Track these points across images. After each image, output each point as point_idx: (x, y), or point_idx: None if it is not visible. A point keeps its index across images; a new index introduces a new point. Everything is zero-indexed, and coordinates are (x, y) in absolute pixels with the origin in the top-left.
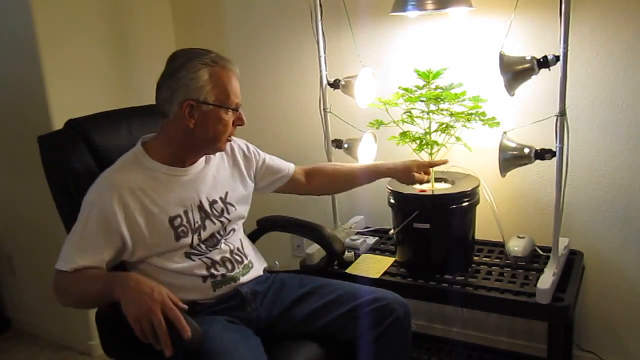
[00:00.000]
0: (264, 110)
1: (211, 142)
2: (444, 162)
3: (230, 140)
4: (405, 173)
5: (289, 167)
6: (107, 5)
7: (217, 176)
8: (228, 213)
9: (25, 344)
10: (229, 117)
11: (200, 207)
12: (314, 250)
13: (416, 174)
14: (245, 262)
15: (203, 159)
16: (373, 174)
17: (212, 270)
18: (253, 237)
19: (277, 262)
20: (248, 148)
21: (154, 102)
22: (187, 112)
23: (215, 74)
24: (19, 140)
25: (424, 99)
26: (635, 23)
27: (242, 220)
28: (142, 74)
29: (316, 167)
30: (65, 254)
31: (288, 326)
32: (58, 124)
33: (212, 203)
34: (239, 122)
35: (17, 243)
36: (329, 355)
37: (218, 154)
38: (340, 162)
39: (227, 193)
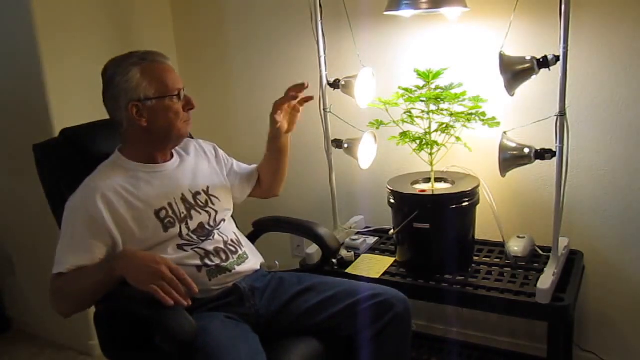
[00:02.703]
0: (263, 110)
1: (169, 132)
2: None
3: (187, 125)
4: (274, 125)
5: (254, 166)
6: (107, 8)
7: (196, 171)
8: (213, 204)
9: (25, 344)
10: (176, 104)
11: (184, 199)
12: (314, 250)
13: (276, 117)
14: (240, 252)
15: (177, 157)
16: (269, 144)
17: (206, 261)
18: (250, 239)
19: (277, 262)
20: (217, 152)
21: None
22: (135, 113)
23: (146, 69)
24: (19, 140)
25: (424, 99)
26: (635, 23)
27: (230, 212)
28: None
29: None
30: (58, 258)
31: (287, 322)
32: (58, 124)
33: (196, 195)
34: (188, 106)
35: (17, 243)
36: (329, 351)
37: (192, 152)
38: (340, 162)
39: (208, 187)
